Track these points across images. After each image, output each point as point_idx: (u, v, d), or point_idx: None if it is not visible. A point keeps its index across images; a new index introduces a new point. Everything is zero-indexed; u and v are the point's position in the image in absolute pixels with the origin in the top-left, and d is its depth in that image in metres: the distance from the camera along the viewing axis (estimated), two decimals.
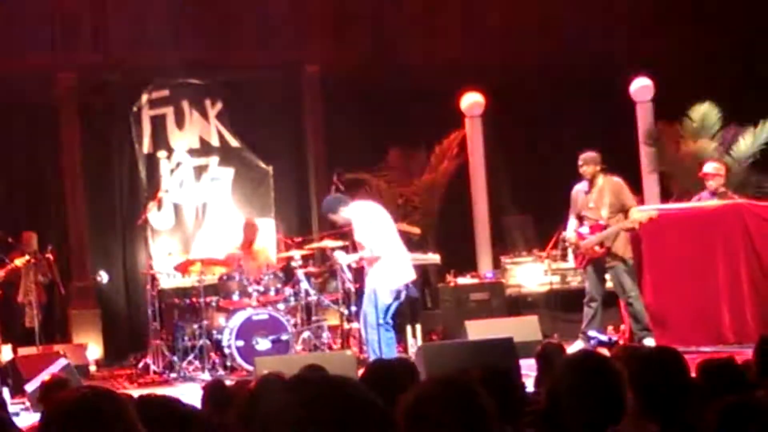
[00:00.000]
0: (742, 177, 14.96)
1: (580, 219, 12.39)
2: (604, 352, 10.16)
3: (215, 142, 16.25)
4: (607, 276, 12.40)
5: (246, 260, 13.81)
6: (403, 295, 11.55)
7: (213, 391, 6.41)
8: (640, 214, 12.07)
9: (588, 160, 12.34)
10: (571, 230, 12.46)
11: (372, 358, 10.78)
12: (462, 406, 3.32)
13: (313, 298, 13.40)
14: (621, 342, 11.93)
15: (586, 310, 12.30)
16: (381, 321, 11.20)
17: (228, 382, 7.24)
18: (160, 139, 16.04)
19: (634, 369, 4.42)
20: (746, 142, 14.99)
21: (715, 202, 12.80)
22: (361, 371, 10.29)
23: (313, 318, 13.40)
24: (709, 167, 13.28)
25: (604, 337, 12.02)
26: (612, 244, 12.13)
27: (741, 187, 14.64)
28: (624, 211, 12.15)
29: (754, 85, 15.96)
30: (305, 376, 2.43)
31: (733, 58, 16.35)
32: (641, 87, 16.35)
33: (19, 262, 13.72)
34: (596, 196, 12.24)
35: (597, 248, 12.17)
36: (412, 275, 11.74)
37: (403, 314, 14.58)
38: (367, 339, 11.33)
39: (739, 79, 16.12)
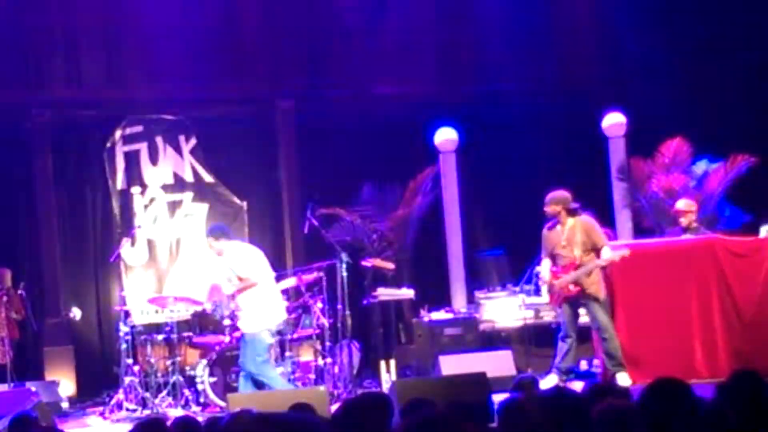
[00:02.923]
0: (713, 212, 15.07)
1: (553, 258, 12.43)
2: (579, 384, 10.24)
3: (189, 177, 16.24)
4: (582, 311, 12.44)
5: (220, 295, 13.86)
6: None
7: (182, 427, 6.37)
8: (612, 253, 12.12)
9: (550, 201, 12.40)
10: (545, 269, 12.49)
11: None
12: None
13: (286, 333, 13.37)
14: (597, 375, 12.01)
15: (561, 345, 12.34)
16: (264, 359, 11.92)
17: (200, 419, 7.21)
18: (133, 174, 16.02)
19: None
20: (717, 177, 15.11)
21: (687, 237, 12.89)
22: (334, 406, 10.35)
23: (287, 354, 13.37)
24: (681, 204, 13.41)
25: (581, 370, 12.11)
26: (586, 281, 12.17)
27: (713, 223, 14.75)
28: (596, 249, 12.20)
29: (724, 120, 16.08)
30: (270, 416, 2.44)
31: (705, 94, 16.45)
32: (614, 123, 16.44)
33: None
34: (568, 234, 12.28)
35: (571, 287, 12.21)
36: (284, 315, 12.47)
37: (376, 349, 14.63)
38: (262, 380, 11.82)
39: (709, 114, 16.22)
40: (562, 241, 12.28)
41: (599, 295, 12.19)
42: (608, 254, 12.08)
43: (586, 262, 12.14)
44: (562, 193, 12.41)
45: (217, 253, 12.25)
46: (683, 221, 13.22)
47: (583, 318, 12.55)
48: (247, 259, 12.20)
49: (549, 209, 12.37)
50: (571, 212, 12.34)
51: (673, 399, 4.92)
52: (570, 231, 12.27)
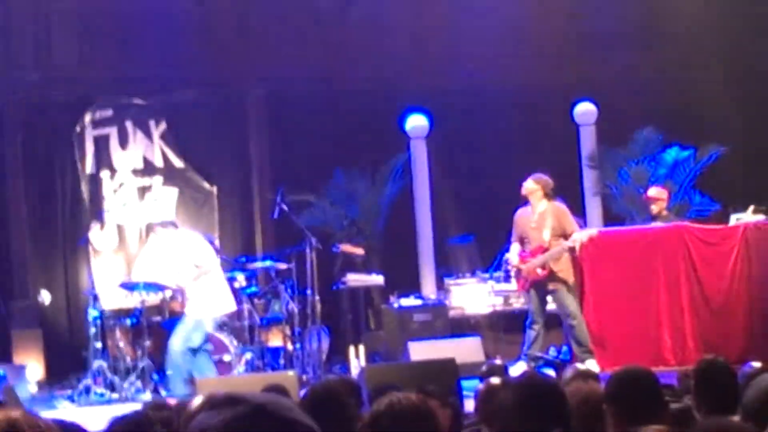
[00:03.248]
0: (683, 200, 15.15)
1: (522, 242, 12.46)
2: (551, 372, 10.28)
3: (159, 162, 16.19)
4: (549, 298, 12.47)
5: None
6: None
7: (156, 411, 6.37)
8: (580, 233, 12.18)
9: (532, 178, 12.42)
10: (513, 253, 12.52)
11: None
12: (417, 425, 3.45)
13: (255, 318, 13.37)
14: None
15: (529, 332, 12.36)
16: (200, 347, 12.13)
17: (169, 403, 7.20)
18: (103, 159, 15.95)
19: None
20: (687, 166, 15.19)
21: (657, 225, 12.96)
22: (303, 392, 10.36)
23: (256, 339, 13.37)
24: (652, 191, 13.49)
25: (549, 357, 12.12)
26: (554, 266, 12.21)
27: (682, 210, 14.83)
28: (565, 236, 12.24)
29: (694, 110, 16.16)
30: (235, 396, 2.43)
31: (674, 83, 16.53)
32: (585, 111, 16.49)
33: None
34: (538, 218, 12.32)
35: (539, 270, 12.24)
36: (233, 307, 12.67)
37: (345, 334, 14.64)
38: (181, 364, 12.02)
39: (679, 103, 16.30)
40: (531, 223, 12.30)
41: (568, 280, 12.22)
42: (576, 235, 12.13)
43: (554, 246, 12.18)
44: (546, 177, 12.44)
45: (161, 240, 12.55)
46: (654, 209, 13.30)
47: (551, 305, 12.58)
48: (201, 247, 12.41)
49: (528, 186, 12.35)
50: (547, 196, 12.36)
51: (638, 387, 4.97)
52: (541, 215, 12.31)
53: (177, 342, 12.22)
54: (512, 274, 12.92)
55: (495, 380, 6.45)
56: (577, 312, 12.18)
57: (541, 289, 12.36)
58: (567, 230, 12.27)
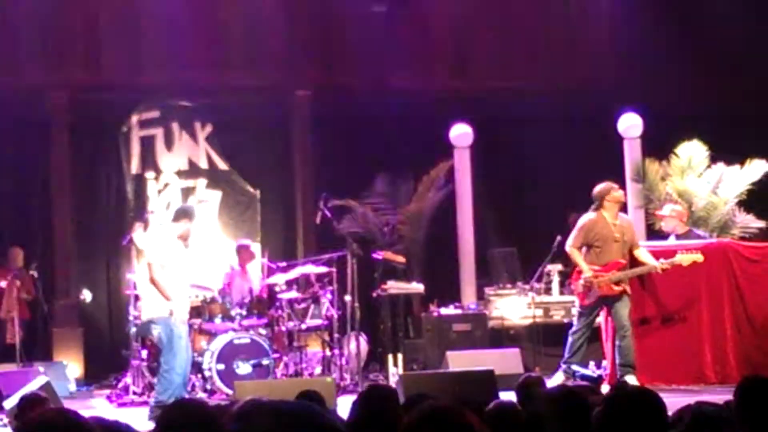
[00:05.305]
0: (728, 216, 15.03)
1: (587, 250, 12.15)
2: (586, 384, 10.20)
3: (204, 164, 16.26)
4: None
5: (238, 282, 13.91)
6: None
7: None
8: (683, 256, 11.95)
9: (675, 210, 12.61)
10: (585, 264, 12.03)
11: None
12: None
13: (295, 323, 13.38)
14: (604, 378, 11.94)
15: (573, 342, 12.13)
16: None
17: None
18: (148, 159, 16.05)
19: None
20: (733, 182, 15.06)
21: (694, 242, 12.80)
22: (341, 398, 10.38)
23: (295, 344, 13.38)
24: (665, 209, 13.44)
25: (588, 372, 11.98)
26: (627, 282, 12.01)
27: (726, 227, 14.72)
28: (631, 251, 12.06)
29: (741, 124, 16.05)
30: (271, 402, 2.44)
31: (721, 97, 16.42)
32: (630, 124, 16.41)
33: (2, 283, 13.60)
34: (619, 230, 12.07)
35: (614, 286, 11.97)
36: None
37: (384, 342, 14.63)
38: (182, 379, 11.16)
39: (726, 117, 16.19)
40: (615, 235, 12.05)
41: (629, 291, 12.04)
42: (679, 258, 11.91)
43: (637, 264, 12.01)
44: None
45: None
46: (662, 225, 13.34)
47: (598, 318, 12.45)
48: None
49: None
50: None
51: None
52: (619, 227, 12.08)
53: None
54: (578, 286, 12.23)
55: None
56: (628, 325, 11.97)
57: (602, 303, 12.15)
58: (635, 246, 12.12)
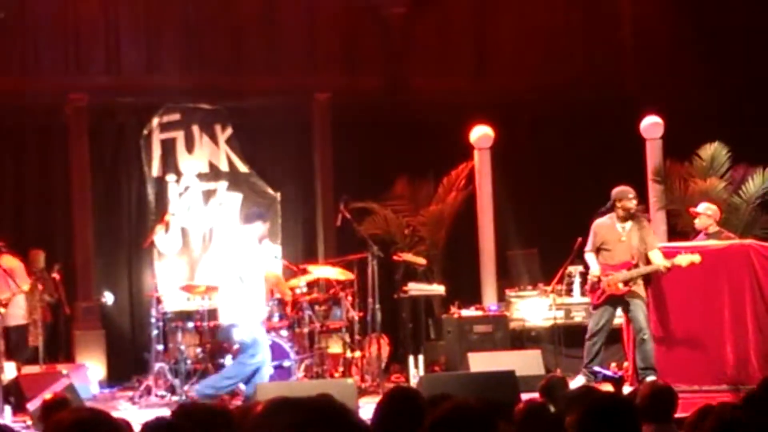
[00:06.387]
0: (750, 217, 14.97)
1: (598, 253, 12.26)
2: (608, 387, 10.19)
3: (224, 167, 16.29)
4: (618, 312, 12.30)
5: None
6: None
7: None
8: (683, 258, 11.93)
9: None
10: (595, 264, 12.20)
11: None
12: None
13: (316, 325, 13.39)
14: (626, 379, 11.92)
15: (590, 347, 12.18)
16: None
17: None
18: (169, 162, 16.08)
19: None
20: (755, 183, 15.01)
21: (717, 243, 12.77)
22: (362, 399, 10.38)
23: (316, 345, 13.39)
24: (700, 207, 13.39)
25: (609, 372, 11.95)
26: (637, 282, 12.01)
27: (749, 228, 14.66)
28: (646, 253, 12.05)
29: (763, 125, 15.98)
30: (294, 400, 2.45)
31: (744, 98, 16.37)
32: (651, 124, 16.35)
33: (26, 287, 13.63)
34: (628, 233, 12.13)
35: (621, 285, 12.04)
36: None
37: (405, 344, 14.63)
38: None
39: (748, 119, 16.14)
40: (622, 236, 12.09)
41: (643, 294, 12.04)
42: (680, 259, 11.88)
43: (644, 264, 11.98)
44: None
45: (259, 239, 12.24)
46: (696, 222, 13.28)
47: (618, 320, 12.42)
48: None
49: (634, 204, 12.25)
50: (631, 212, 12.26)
51: None
52: (630, 230, 12.12)
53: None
54: (588, 285, 12.49)
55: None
56: (648, 328, 11.98)
57: (614, 304, 12.18)
58: (650, 248, 12.10)
